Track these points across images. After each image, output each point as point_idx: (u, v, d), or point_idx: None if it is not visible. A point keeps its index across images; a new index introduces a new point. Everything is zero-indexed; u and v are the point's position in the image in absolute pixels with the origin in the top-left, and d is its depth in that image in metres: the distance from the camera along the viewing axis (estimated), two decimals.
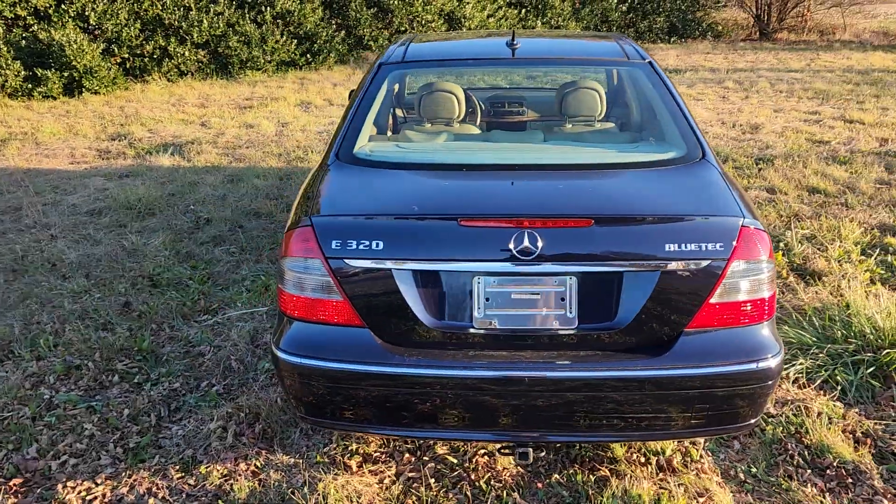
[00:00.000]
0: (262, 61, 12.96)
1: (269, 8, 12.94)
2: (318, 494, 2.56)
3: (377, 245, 2.27)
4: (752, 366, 2.26)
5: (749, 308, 2.31)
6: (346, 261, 2.29)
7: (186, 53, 12.16)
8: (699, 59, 15.02)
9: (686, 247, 2.25)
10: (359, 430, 2.53)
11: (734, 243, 2.26)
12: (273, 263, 4.68)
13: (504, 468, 2.70)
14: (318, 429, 2.92)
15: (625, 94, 3.77)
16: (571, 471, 2.67)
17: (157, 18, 11.89)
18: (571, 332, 2.30)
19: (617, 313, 2.29)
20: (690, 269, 2.25)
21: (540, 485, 2.61)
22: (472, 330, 2.31)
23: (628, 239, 2.29)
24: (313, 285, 2.35)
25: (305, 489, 2.59)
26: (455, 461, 2.73)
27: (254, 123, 8.98)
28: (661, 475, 2.63)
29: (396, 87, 4.23)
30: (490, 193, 2.53)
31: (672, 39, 19.13)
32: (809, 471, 2.67)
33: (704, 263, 2.25)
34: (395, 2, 14.39)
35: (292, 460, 2.78)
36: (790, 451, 2.75)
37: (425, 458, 2.76)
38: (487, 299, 2.28)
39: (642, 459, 2.71)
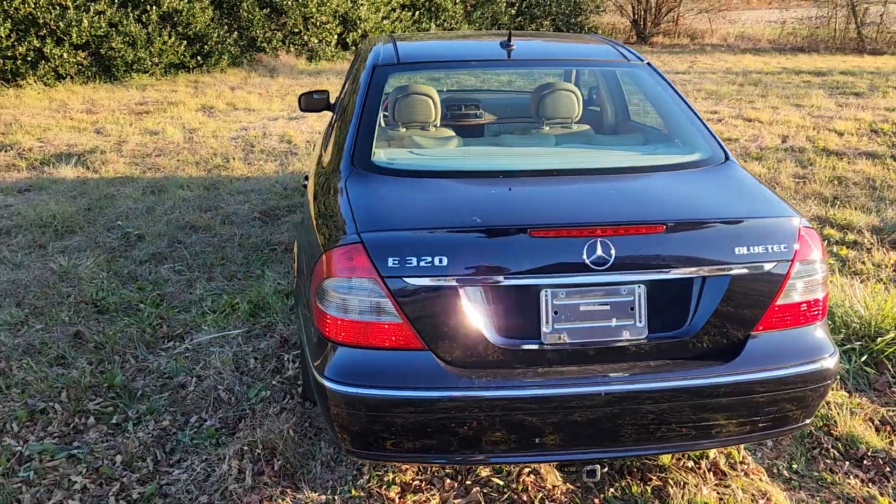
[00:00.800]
0: (149, 63, 12.18)
1: (154, 7, 12.17)
2: None
3: (440, 261, 2.09)
4: (815, 366, 2.26)
5: (807, 308, 2.31)
6: (406, 279, 2.09)
7: (65, 55, 11.23)
8: None
9: (754, 249, 2.21)
10: (417, 460, 2.33)
11: (795, 245, 2.25)
12: (229, 281, 4.33)
13: (554, 486, 2.57)
14: (346, 460, 2.69)
15: (618, 96, 3.75)
16: (624, 483, 2.58)
17: (29, 18, 10.89)
18: (642, 341, 2.21)
19: (688, 320, 2.23)
20: (759, 272, 2.22)
21: (597, 501, 2.51)
22: (541, 346, 2.17)
23: (699, 244, 2.23)
24: (366, 307, 2.13)
25: None
26: (501, 482, 2.58)
27: (157, 130, 8.38)
28: (715, 480, 2.59)
29: None
30: (554, 201, 2.39)
31: None
32: (847, 463, 2.72)
33: (770, 266, 2.22)
34: (289, 2, 13.94)
35: (323, 497, 2.53)
36: (824, 445, 2.79)
37: (468, 482, 2.59)
38: (556, 312, 2.16)
39: (690, 465, 2.67)
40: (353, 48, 15.63)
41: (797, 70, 14.00)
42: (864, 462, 2.71)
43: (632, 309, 2.18)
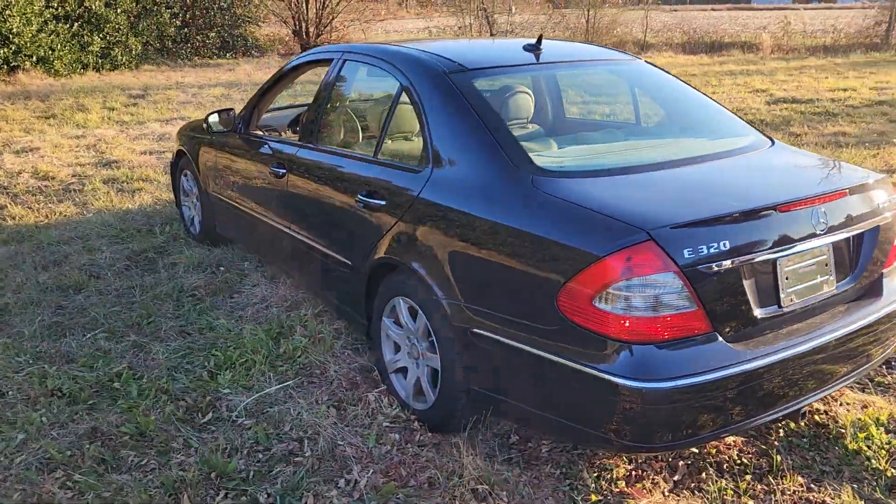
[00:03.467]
0: None
1: None
2: None
3: (724, 245, 2.26)
4: None
5: None
6: (698, 268, 2.22)
7: None
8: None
9: (881, 203, 2.75)
10: (705, 440, 2.41)
11: (893, 196, 2.84)
12: (185, 337, 3.70)
13: (735, 441, 2.86)
14: (544, 470, 2.65)
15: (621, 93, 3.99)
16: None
17: None
18: (835, 292, 2.59)
19: (855, 269, 2.68)
20: (887, 221, 2.77)
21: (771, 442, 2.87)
22: (780, 310, 2.45)
23: (863, 203, 2.68)
24: (663, 300, 2.20)
25: None
26: (696, 450, 2.77)
27: None
28: None
29: None
30: (757, 181, 2.67)
31: (228, 55, 19.14)
32: None
33: (890, 214, 2.78)
34: None
35: None
36: None
37: (670, 457, 2.75)
38: (787, 278, 2.46)
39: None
40: (7, 67, 13.37)
41: None
42: None
43: (826, 265, 2.58)
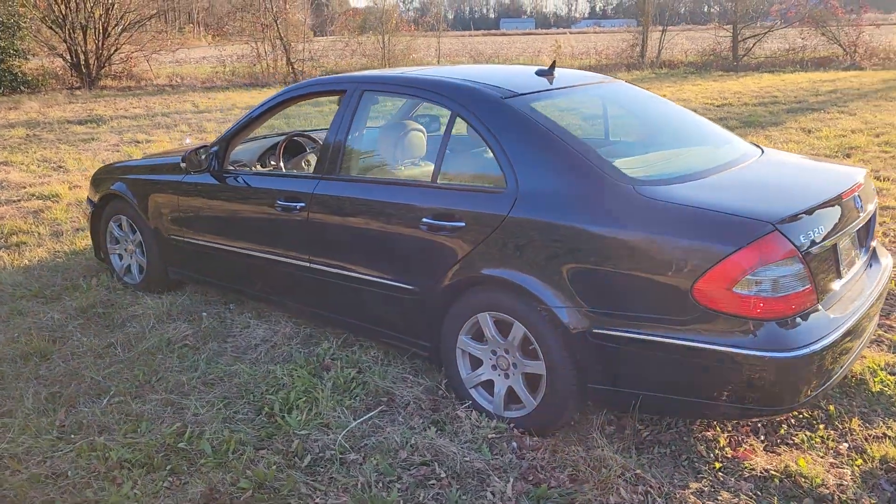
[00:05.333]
0: None
1: None
2: None
3: (821, 230, 2.70)
4: None
5: None
6: (809, 250, 2.62)
7: None
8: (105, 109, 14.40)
9: (874, 189, 3.38)
10: (819, 396, 2.73)
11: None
12: (209, 388, 3.49)
13: None
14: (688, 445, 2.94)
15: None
16: None
17: None
18: (861, 262, 3.18)
19: (866, 242, 3.25)
20: (876, 202, 3.41)
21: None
22: (842, 281, 2.89)
23: (870, 189, 3.26)
24: (789, 281, 2.56)
25: None
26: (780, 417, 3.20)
27: None
28: None
29: None
30: (802, 175, 3.18)
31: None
32: None
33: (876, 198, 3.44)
34: None
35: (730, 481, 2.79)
36: None
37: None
38: (842, 254, 2.91)
39: None
40: None
41: (233, 105, 15.50)
42: None
43: (854, 241, 3.10)
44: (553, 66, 3.69)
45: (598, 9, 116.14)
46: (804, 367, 2.58)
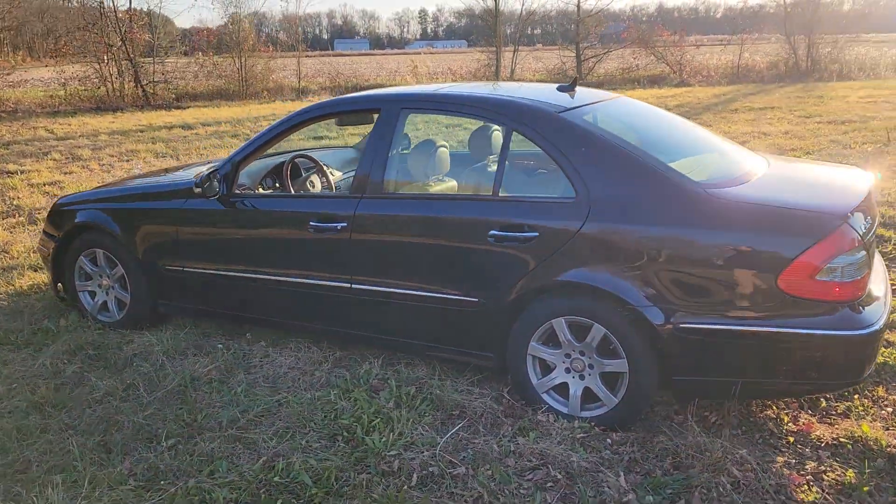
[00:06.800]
0: None
1: None
2: None
3: (868, 221, 3.07)
4: None
5: None
6: (865, 240, 2.97)
7: None
8: None
9: None
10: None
11: None
12: (269, 418, 3.36)
13: None
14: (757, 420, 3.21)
15: None
16: None
17: None
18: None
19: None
20: None
21: None
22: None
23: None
24: (857, 268, 2.89)
25: None
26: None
27: None
28: None
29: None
30: (834, 177, 3.57)
31: None
32: None
33: None
34: None
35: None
36: None
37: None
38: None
39: None
40: None
41: (96, 130, 14.83)
42: None
43: None
44: (575, 83, 3.90)
45: (429, 30, 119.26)
46: (870, 343, 2.94)
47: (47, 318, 4.57)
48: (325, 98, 21.33)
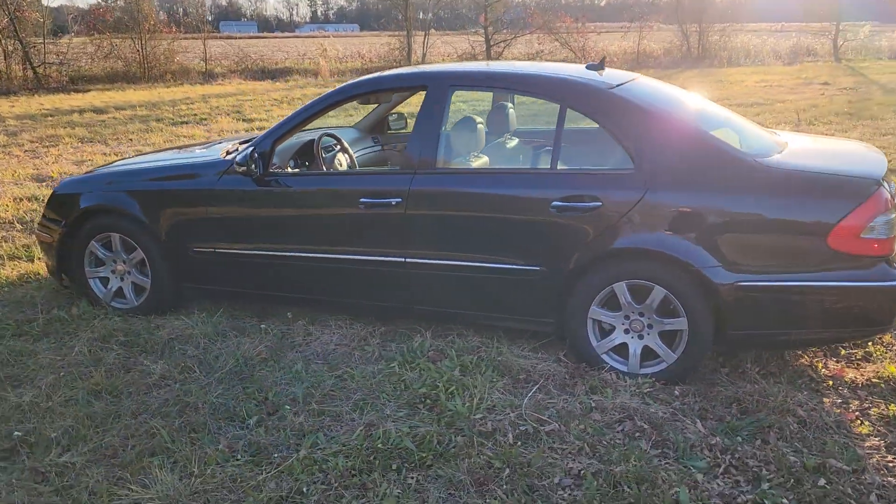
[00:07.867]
0: None
1: None
2: None
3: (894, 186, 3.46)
4: None
5: None
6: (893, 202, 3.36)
7: None
8: None
9: None
10: None
11: None
12: (341, 393, 3.41)
13: None
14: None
15: None
16: None
17: None
18: None
19: None
20: None
21: None
22: None
23: None
24: (892, 227, 3.21)
25: None
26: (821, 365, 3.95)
27: None
28: None
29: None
30: (849, 147, 3.89)
31: None
32: None
33: None
34: None
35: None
36: None
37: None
38: None
39: None
40: None
41: None
42: None
43: None
44: (603, 63, 4.09)
45: (319, 13, 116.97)
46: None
47: (56, 308, 4.35)
48: (236, 82, 20.73)
